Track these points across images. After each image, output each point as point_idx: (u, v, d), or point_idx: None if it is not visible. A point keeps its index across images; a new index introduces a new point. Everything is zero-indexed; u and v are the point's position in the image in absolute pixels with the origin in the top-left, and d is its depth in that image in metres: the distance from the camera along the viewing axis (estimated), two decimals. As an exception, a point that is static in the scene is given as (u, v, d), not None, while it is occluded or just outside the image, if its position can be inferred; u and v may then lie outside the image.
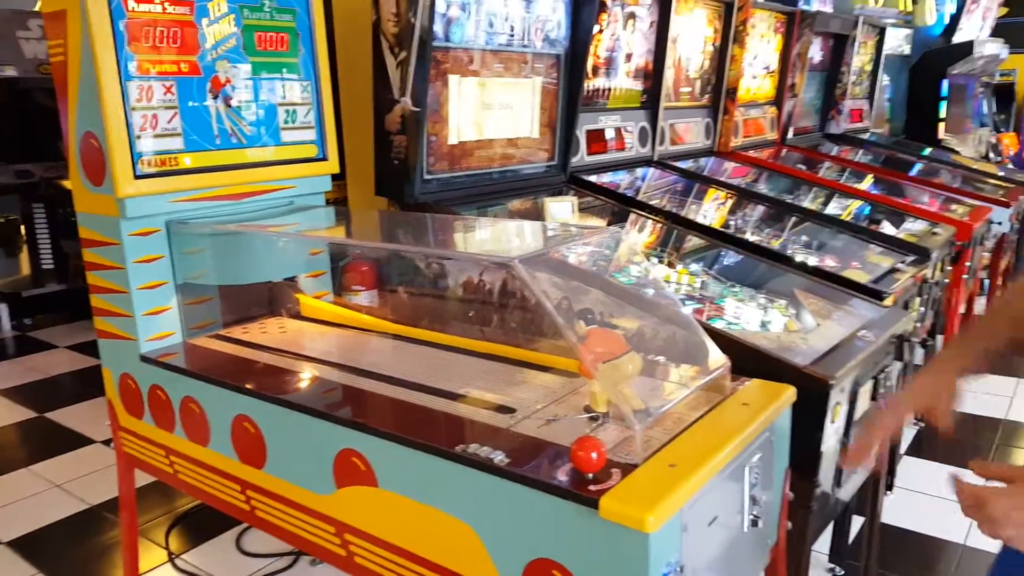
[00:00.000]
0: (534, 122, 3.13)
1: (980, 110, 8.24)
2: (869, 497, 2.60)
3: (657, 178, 3.80)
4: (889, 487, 3.30)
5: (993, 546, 1.27)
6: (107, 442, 3.87)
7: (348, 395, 1.91)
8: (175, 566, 2.90)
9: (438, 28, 2.58)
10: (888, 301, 2.49)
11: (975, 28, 7.92)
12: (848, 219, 3.58)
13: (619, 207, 3.21)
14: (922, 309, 3.10)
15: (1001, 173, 5.47)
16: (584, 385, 1.77)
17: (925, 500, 3.24)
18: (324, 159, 2.52)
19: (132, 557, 2.50)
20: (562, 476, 1.39)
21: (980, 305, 5.45)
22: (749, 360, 1.87)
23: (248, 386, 1.93)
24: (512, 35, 2.90)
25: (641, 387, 1.59)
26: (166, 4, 2.11)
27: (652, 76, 3.81)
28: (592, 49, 3.23)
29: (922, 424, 4.25)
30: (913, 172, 5.14)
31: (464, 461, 1.50)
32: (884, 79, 6.23)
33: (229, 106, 2.27)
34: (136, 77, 2.06)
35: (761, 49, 4.67)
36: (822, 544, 2.84)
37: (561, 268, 1.85)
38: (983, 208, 4.30)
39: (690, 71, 4.17)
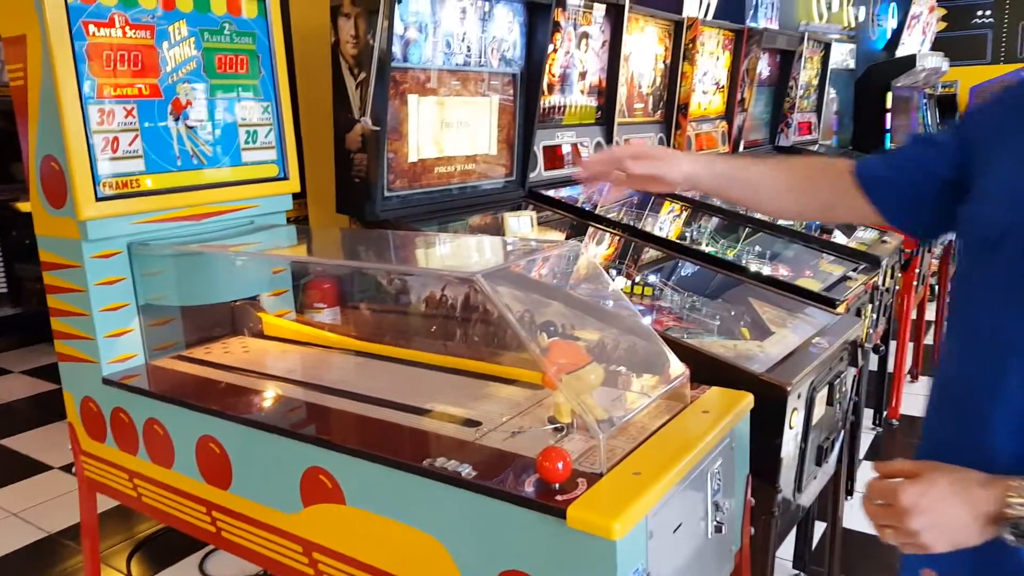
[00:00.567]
0: (492, 139, 3.17)
1: (924, 120, 8.47)
2: (830, 502, 2.67)
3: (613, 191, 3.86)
4: (849, 492, 3.37)
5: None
6: (65, 468, 3.81)
7: (313, 413, 1.93)
8: (138, 591, 2.88)
9: (396, 49, 2.61)
10: (841, 308, 2.57)
11: (916, 42, 8.16)
12: (800, 229, 3.67)
13: (577, 221, 3.26)
14: (874, 315, 3.19)
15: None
16: (547, 397, 1.81)
17: (882, 504, 3.31)
18: (285, 178, 2.53)
19: (95, 583, 2.48)
20: (529, 487, 1.42)
21: (931, 310, 5.60)
22: (707, 369, 1.91)
23: (213, 406, 1.93)
24: (469, 55, 2.94)
25: (604, 397, 1.63)
26: (126, 28, 2.11)
27: (606, 93, 3.88)
28: (547, 68, 3.28)
29: (879, 429, 4.36)
30: (861, 183, 5.25)
31: (431, 475, 1.52)
32: (831, 92, 6.39)
33: (190, 128, 2.28)
34: (97, 100, 2.06)
35: (711, 66, 4.77)
36: (785, 550, 2.90)
37: (522, 282, 1.88)
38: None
39: (643, 88, 4.25)
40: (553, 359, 1.54)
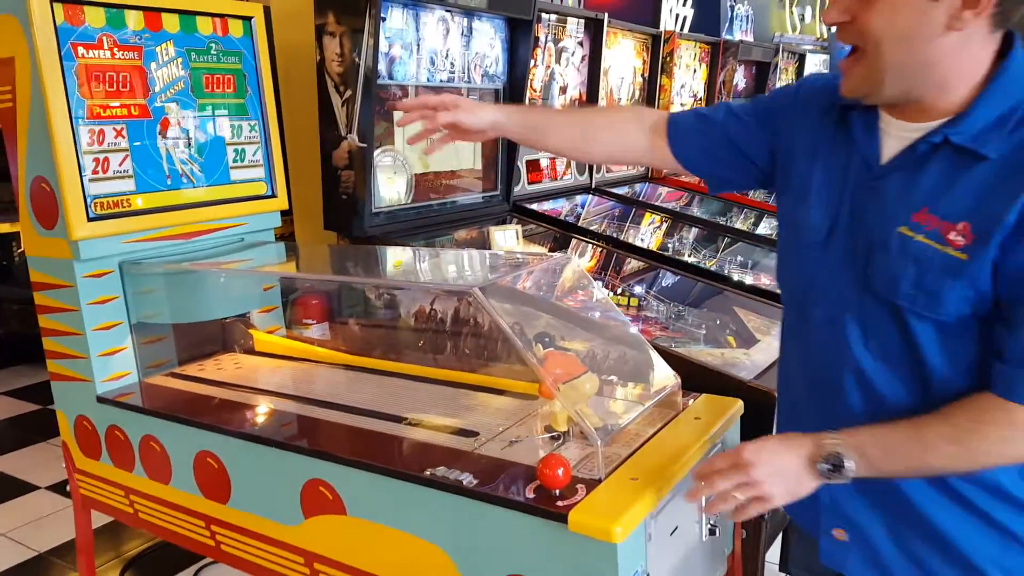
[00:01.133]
0: (477, 154, 3.21)
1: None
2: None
3: (596, 204, 3.92)
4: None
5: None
6: (52, 487, 3.79)
7: (311, 426, 1.95)
8: (130, 610, 2.88)
9: (382, 67, 2.65)
10: (822, 315, 2.61)
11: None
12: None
13: (561, 233, 3.30)
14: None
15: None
16: (542, 407, 1.84)
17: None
18: (273, 196, 2.56)
19: (89, 602, 2.48)
20: (530, 494, 1.45)
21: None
22: (697, 377, 1.96)
23: (210, 422, 1.95)
24: (453, 71, 2.98)
25: (599, 406, 1.67)
26: (115, 49, 2.14)
27: (586, 106, 3.93)
28: (528, 82, 3.33)
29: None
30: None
31: (433, 484, 1.55)
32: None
33: (179, 147, 2.30)
34: (87, 121, 2.08)
35: (688, 78, 4.85)
36: (772, 554, 2.93)
37: (516, 294, 1.92)
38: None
39: (622, 100, 4.31)
40: (549, 369, 1.58)
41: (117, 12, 2.14)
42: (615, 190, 4.14)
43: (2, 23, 2.03)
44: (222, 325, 2.55)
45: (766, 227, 4.09)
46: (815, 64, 6.75)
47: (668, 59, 4.54)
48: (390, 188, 2.85)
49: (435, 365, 2.30)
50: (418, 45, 2.82)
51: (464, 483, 1.51)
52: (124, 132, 2.17)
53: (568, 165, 3.86)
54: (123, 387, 2.21)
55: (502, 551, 1.48)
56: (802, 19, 7.16)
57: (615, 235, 3.49)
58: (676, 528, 1.56)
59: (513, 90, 3.24)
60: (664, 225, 3.89)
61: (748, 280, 3.03)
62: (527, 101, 3.37)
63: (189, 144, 2.33)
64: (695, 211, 4.29)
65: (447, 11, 2.88)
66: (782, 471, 1.25)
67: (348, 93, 2.63)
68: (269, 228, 2.57)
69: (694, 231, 3.82)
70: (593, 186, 4.06)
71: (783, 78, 5.84)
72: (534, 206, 3.48)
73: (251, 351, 2.54)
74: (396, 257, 2.44)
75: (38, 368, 5.55)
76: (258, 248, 2.48)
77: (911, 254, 1.19)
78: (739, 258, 3.50)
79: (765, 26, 6.66)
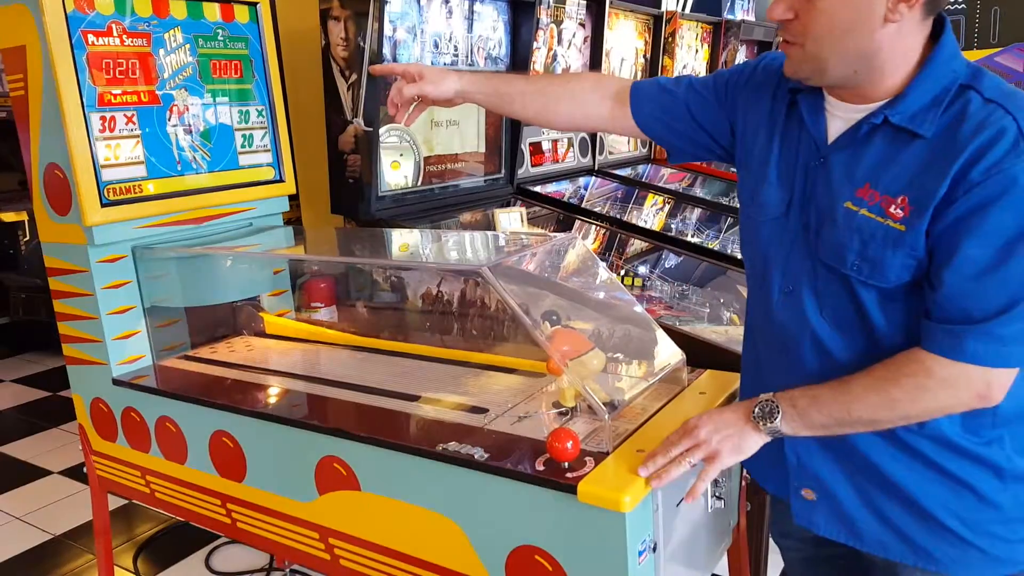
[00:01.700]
0: (480, 137, 3.24)
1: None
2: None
3: (599, 186, 3.95)
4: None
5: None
6: (65, 472, 3.85)
7: (324, 405, 1.99)
8: (146, 589, 2.93)
9: (386, 50, 2.67)
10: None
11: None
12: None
13: (565, 215, 3.34)
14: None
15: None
16: (549, 384, 1.88)
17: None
18: (281, 180, 2.59)
19: (108, 581, 2.53)
20: (540, 466, 1.49)
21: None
22: (701, 353, 1.99)
23: (225, 402, 1.99)
24: (456, 54, 3.01)
25: (606, 382, 1.71)
26: (124, 36, 2.16)
27: (589, 88, 3.95)
28: (531, 64, 3.35)
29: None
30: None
31: (445, 459, 1.59)
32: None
33: (189, 133, 2.33)
34: (98, 108, 2.11)
35: (690, 58, 4.86)
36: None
37: (523, 274, 1.95)
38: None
39: (624, 82, 4.32)
40: (557, 346, 1.61)
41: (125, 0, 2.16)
42: (618, 172, 4.17)
43: (13, 12, 2.06)
44: (233, 308, 2.58)
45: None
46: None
47: (670, 40, 4.56)
48: (397, 171, 2.88)
49: (443, 345, 2.34)
50: (421, 28, 2.84)
51: (475, 457, 1.55)
52: (135, 119, 2.20)
53: (570, 147, 3.88)
54: (138, 370, 2.25)
55: (513, 522, 1.52)
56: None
57: (618, 216, 3.52)
58: (682, 499, 1.60)
59: (516, 72, 3.26)
60: (667, 206, 3.92)
61: (751, 259, 3.05)
62: (530, 83, 3.38)
63: (198, 130, 2.36)
64: (698, 192, 4.32)
65: (450, -6, 2.90)
66: (723, 426, 1.38)
67: (353, 77, 2.66)
68: (277, 212, 2.61)
69: (697, 211, 3.85)
70: (596, 168, 4.08)
71: (784, 58, 5.83)
72: (537, 188, 3.51)
73: (262, 334, 2.58)
74: (402, 239, 2.48)
75: (47, 355, 5.63)
76: (267, 232, 2.52)
77: (855, 227, 1.28)
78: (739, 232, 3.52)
79: (767, 5, 6.64)
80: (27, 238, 5.39)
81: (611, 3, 3.90)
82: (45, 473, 3.87)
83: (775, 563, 2.20)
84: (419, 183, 2.96)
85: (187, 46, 2.32)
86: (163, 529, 3.28)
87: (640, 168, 4.48)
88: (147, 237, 2.24)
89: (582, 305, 1.96)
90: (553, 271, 2.07)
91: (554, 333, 1.66)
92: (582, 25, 3.82)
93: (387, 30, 2.65)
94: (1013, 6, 8.15)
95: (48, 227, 2.24)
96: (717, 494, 1.71)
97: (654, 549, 1.48)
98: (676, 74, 4.64)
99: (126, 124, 2.19)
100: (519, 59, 3.26)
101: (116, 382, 2.21)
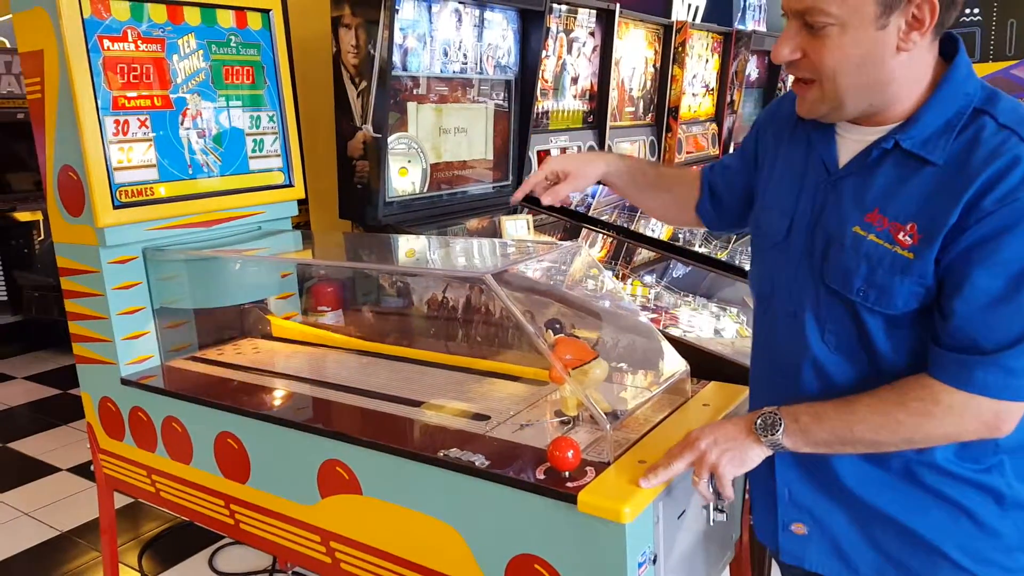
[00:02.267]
0: (488, 144, 3.26)
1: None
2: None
3: (606, 195, 3.95)
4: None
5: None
6: (73, 469, 3.88)
7: (328, 408, 2.01)
8: (149, 588, 2.96)
9: (396, 58, 2.70)
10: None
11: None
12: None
13: (572, 223, 3.35)
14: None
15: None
16: (551, 392, 1.90)
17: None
18: (290, 185, 2.61)
19: (113, 577, 2.56)
20: (540, 475, 1.50)
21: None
22: (706, 364, 2.00)
23: (231, 404, 2.01)
24: (465, 63, 3.03)
25: (608, 392, 1.72)
26: (139, 42, 2.19)
27: (598, 97, 3.98)
28: (540, 73, 3.37)
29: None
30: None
31: (446, 465, 1.60)
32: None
33: (200, 137, 2.36)
34: (112, 112, 2.15)
35: (700, 68, 4.87)
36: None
37: (527, 282, 1.97)
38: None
39: (633, 91, 4.34)
40: (560, 355, 1.63)
41: (141, 5, 2.20)
42: (626, 180, 4.17)
43: (31, 17, 2.10)
44: (241, 311, 2.61)
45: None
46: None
47: (680, 49, 4.57)
48: (405, 177, 2.90)
49: (447, 351, 2.36)
50: (431, 36, 2.87)
51: (476, 464, 1.56)
52: (148, 122, 2.24)
53: (580, 155, 3.90)
54: (146, 370, 2.28)
55: (512, 531, 1.54)
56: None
57: (626, 225, 3.53)
58: (684, 512, 1.61)
59: (524, 81, 3.29)
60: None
61: (756, 270, 3.06)
62: (538, 91, 3.41)
63: (209, 134, 2.39)
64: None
65: (460, 2, 2.93)
66: (724, 439, 1.38)
67: (363, 84, 2.69)
68: (286, 217, 2.63)
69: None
70: (604, 176, 4.09)
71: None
72: (545, 196, 3.52)
73: (269, 336, 2.60)
74: (409, 245, 2.50)
75: (58, 353, 5.67)
76: (275, 236, 2.54)
77: (863, 252, 1.27)
78: (749, 249, 3.53)
79: (778, 16, 6.66)
80: (41, 237, 5.44)
81: (621, 12, 3.92)
82: (54, 470, 3.90)
83: None
84: (427, 190, 2.99)
85: (200, 52, 2.35)
86: (168, 528, 3.31)
87: (648, 177, 4.48)
88: (157, 239, 2.27)
89: (586, 314, 1.98)
90: (558, 279, 2.09)
91: (557, 341, 1.68)
92: (592, 34, 3.84)
93: (397, 38, 2.68)
94: (1030, 19, 8.12)
95: (61, 228, 2.27)
96: (719, 507, 1.71)
97: (654, 561, 1.49)
98: (685, 84, 4.65)
99: (139, 128, 2.22)
100: (528, 68, 3.28)
101: (124, 381, 2.23)
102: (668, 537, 1.53)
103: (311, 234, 2.95)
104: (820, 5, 1.19)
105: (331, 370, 2.31)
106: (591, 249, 3.19)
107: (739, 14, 6.05)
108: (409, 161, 2.92)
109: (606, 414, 1.55)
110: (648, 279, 2.99)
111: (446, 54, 2.95)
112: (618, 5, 3.91)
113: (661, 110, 4.59)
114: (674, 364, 1.83)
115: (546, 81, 3.60)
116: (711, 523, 1.69)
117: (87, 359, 2.34)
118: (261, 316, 2.61)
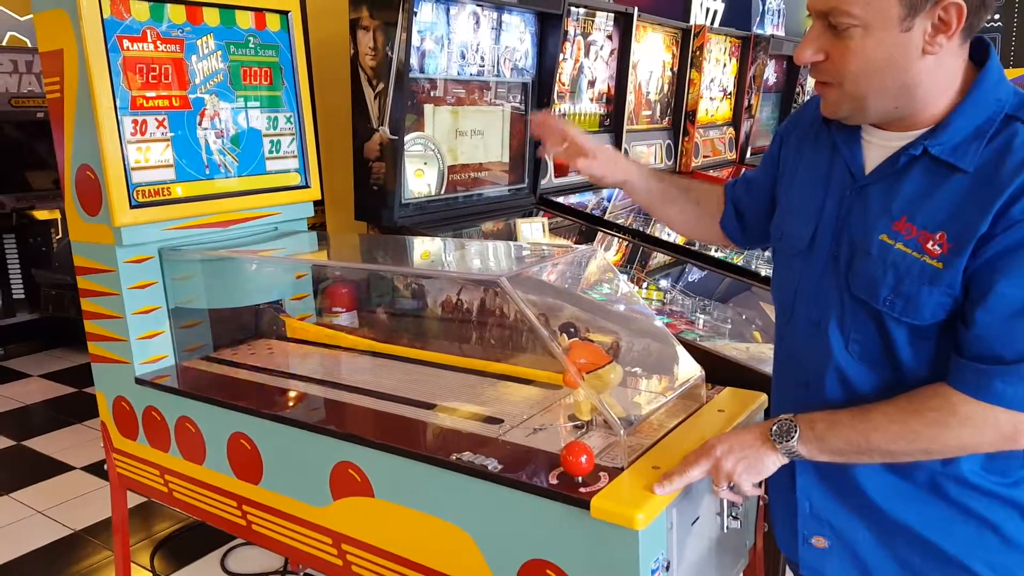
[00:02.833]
0: (504, 147, 3.26)
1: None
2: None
3: (622, 198, 3.94)
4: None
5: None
6: (87, 468, 3.90)
7: (341, 410, 2.01)
8: (162, 587, 2.97)
9: (414, 60, 2.70)
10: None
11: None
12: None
13: (587, 227, 3.34)
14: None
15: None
16: (565, 396, 1.89)
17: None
18: (307, 186, 2.61)
19: (125, 576, 2.56)
20: (553, 479, 1.50)
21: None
22: (722, 370, 1.99)
23: (244, 405, 2.01)
24: (483, 65, 3.03)
25: (623, 396, 1.71)
26: (158, 42, 2.20)
27: (615, 100, 3.97)
28: (557, 76, 3.37)
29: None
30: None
31: (459, 469, 1.60)
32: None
33: (218, 137, 2.36)
34: (131, 112, 2.15)
35: (718, 72, 4.85)
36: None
37: (542, 285, 1.96)
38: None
39: (650, 94, 4.33)
40: (574, 359, 1.62)
41: (160, 6, 2.20)
42: (642, 184, 4.16)
43: (52, 17, 2.11)
44: (255, 312, 2.62)
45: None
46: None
47: (698, 53, 4.56)
48: (420, 179, 2.90)
49: (461, 354, 2.36)
50: (449, 39, 2.86)
51: (489, 468, 1.56)
52: (165, 123, 2.24)
53: (596, 159, 3.89)
54: (160, 369, 2.28)
55: (524, 535, 1.53)
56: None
57: (641, 229, 3.52)
58: (697, 519, 1.60)
59: (541, 84, 3.28)
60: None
61: (773, 276, 3.04)
62: (555, 95, 3.40)
63: (227, 135, 2.39)
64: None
65: (478, 5, 2.93)
66: (740, 446, 1.37)
67: (380, 86, 2.68)
68: (302, 218, 2.63)
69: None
70: (620, 180, 4.08)
71: (813, 74, 5.82)
72: (560, 199, 3.52)
73: (283, 337, 2.60)
74: (424, 247, 2.50)
75: (74, 351, 5.71)
76: (291, 237, 2.54)
77: (890, 261, 1.25)
78: (766, 254, 3.51)
79: (797, 20, 6.64)
80: (59, 236, 5.48)
81: (639, 16, 3.91)
82: (68, 468, 3.92)
83: (789, 583, 2.19)
84: (442, 191, 2.99)
85: (219, 52, 2.36)
86: (180, 528, 3.32)
87: (665, 181, 4.47)
88: (174, 239, 2.28)
89: (601, 318, 1.97)
90: (573, 283, 2.08)
91: (571, 345, 1.67)
92: (609, 38, 3.83)
93: (415, 40, 2.68)
94: (1049, 25, 8.07)
95: (78, 227, 2.28)
96: (733, 514, 1.70)
97: (667, 568, 1.48)
98: (703, 88, 4.63)
99: (157, 128, 2.22)
100: (545, 71, 3.27)
101: (139, 381, 2.24)
102: (681, 544, 1.52)
103: (326, 235, 2.95)
104: (843, 6, 1.18)
105: (344, 372, 2.31)
106: (606, 253, 3.18)
107: (757, 18, 6.02)
108: (425, 163, 2.92)
109: (620, 419, 1.54)
110: (663, 283, 2.97)
111: (463, 56, 2.95)
112: (636, 9, 3.90)
113: (678, 114, 4.58)
114: (689, 369, 1.82)
115: (563, 84, 3.60)
116: (725, 530, 1.68)
117: (102, 358, 2.34)
118: (276, 317, 2.62)
